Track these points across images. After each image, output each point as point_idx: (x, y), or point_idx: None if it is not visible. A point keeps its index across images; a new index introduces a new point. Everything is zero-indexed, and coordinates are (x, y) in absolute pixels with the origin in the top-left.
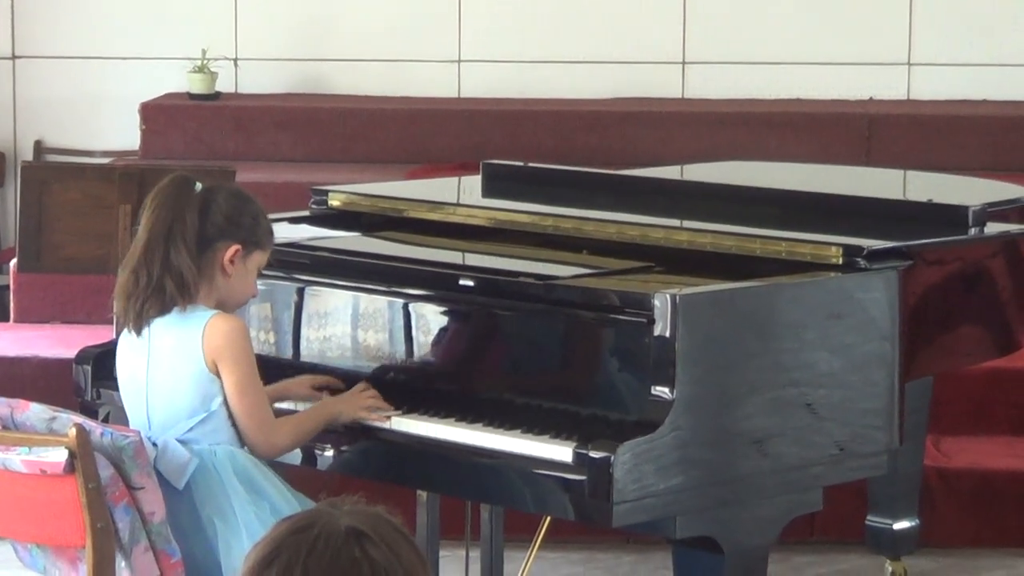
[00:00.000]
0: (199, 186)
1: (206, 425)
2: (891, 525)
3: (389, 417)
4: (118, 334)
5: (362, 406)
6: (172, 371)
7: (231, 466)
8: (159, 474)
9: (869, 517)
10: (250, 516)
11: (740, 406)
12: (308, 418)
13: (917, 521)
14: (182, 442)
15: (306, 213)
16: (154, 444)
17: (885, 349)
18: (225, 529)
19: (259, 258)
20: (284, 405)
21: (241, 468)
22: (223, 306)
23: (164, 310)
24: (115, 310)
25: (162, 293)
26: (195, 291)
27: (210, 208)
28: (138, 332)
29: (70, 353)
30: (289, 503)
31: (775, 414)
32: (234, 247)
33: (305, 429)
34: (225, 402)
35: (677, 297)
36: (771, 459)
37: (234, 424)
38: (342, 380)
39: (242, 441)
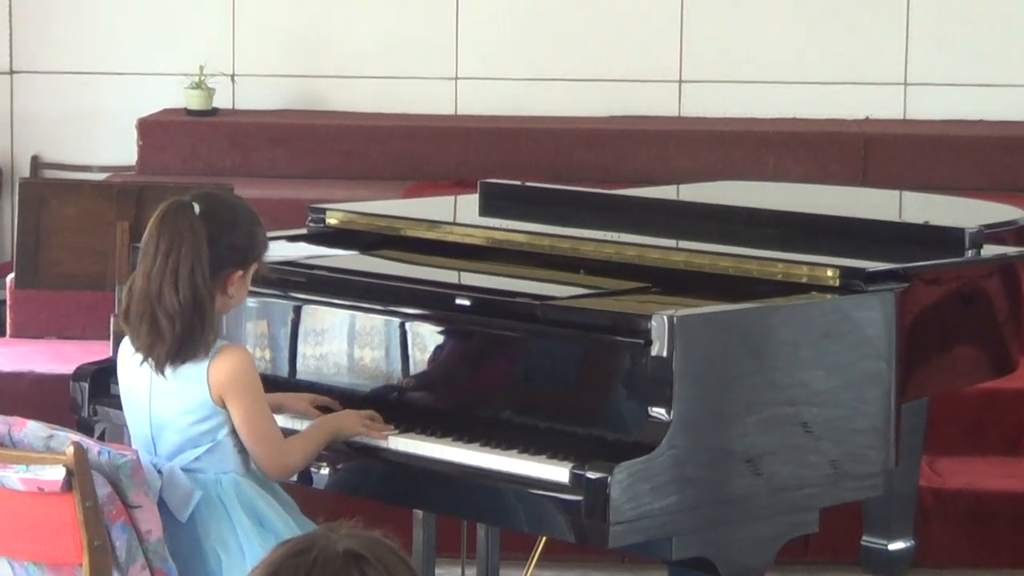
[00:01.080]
0: (197, 208)
1: (213, 455)
2: (886, 545)
3: (387, 435)
4: (116, 350)
5: (363, 422)
6: (178, 404)
7: (236, 496)
8: (163, 502)
9: (864, 537)
10: (255, 546)
11: (736, 426)
12: (315, 435)
13: (912, 542)
14: (187, 471)
15: (303, 231)
16: (159, 471)
17: (881, 370)
18: (229, 560)
19: (255, 267)
20: (281, 421)
21: (246, 498)
22: (218, 314)
23: (195, 356)
24: (129, 337)
25: (193, 338)
26: (216, 328)
27: (214, 238)
28: (163, 374)
29: (66, 369)
30: (294, 532)
31: (770, 434)
32: (239, 272)
33: (314, 447)
34: (232, 432)
35: (674, 318)
36: (766, 479)
37: (240, 452)
38: (338, 399)
39: (247, 468)
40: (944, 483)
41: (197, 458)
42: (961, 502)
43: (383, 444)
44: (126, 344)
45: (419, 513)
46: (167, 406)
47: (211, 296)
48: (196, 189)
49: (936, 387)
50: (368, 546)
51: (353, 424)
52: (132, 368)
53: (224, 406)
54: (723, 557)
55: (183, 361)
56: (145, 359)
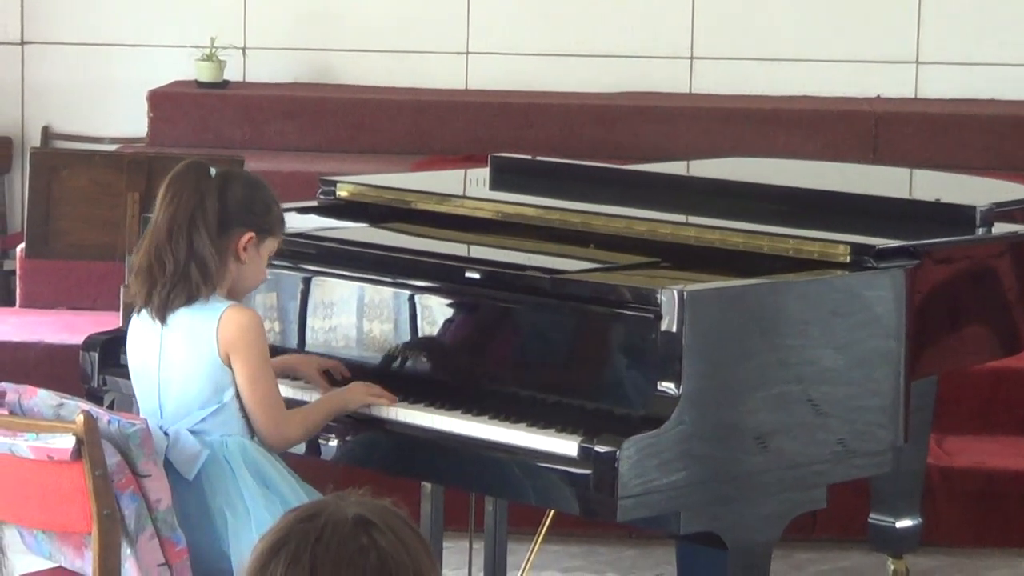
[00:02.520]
0: (214, 171)
1: (218, 416)
2: (894, 523)
3: (394, 403)
4: (125, 320)
5: (369, 395)
6: (185, 362)
7: (242, 458)
8: (169, 464)
9: (872, 515)
10: (260, 508)
11: (744, 402)
12: (317, 409)
13: (920, 520)
14: (193, 432)
15: (314, 203)
16: (165, 433)
17: (891, 347)
18: (235, 521)
19: (271, 245)
20: (292, 395)
21: (252, 460)
22: (234, 292)
23: (190, 300)
24: (132, 295)
25: (188, 282)
26: (217, 279)
27: (226, 194)
28: (163, 321)
29: (76, 339)
30: (299, 496)
31: (779, 410)
32: (249, 234)
33: (315, 420)
34: (238, 395)
35: (684, 293)
36: (774, 455)
37: (246, 416)
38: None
39: (253, 432)
40: (952, 462)
41: (203, 420)
42: (969, 481)
43: (392, 416)
44: (135, 319)
45: (427, 487)
46: (175, 366)
47: (216, 251)
48: (208, 160)
49: (945, 365)
50: (377, 512)
51: (359, 397)
52: (141, 333)
53: (231, 365)
54: (731, 532)
55: (176, 305)
56: (143, 307)
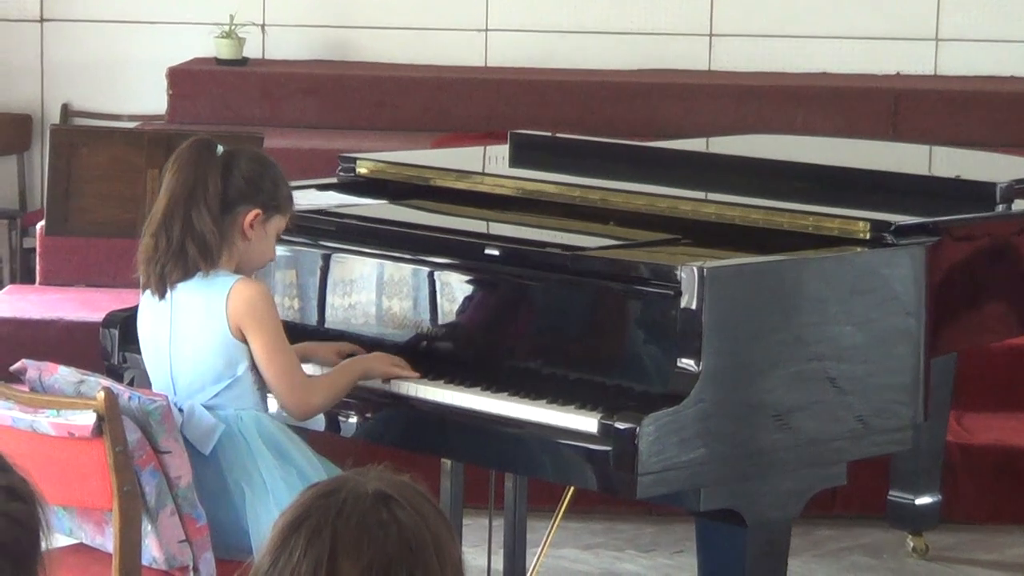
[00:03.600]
0: (220, 149)
1: (232, 390)
2: (913, 500)
3: (415, 377)
4: None
5: (390, 364)
6: (196, 337)
7: (257, 431)
8: (185, 440)
9: (891, 492)
10: (277, 481)
11: (763, 379)
12: (340, 375)
13: (939, 497)
14: (208, 408)
15: (333, 180)
16: (180, 410)
17: (910, 324)
18: (252, 495)
19: (279, 223)
20: (308, 368)
21: (268, 433)
22: (242, 270)
23: (187, 274)
24: (136, 273)
25: (184, 257)
26: (217, 255)
27: (231, 171)
28: (161, 295)
29: (95, 316)
30: (316, 468)
31: (798, 388)
32: (255, 211)
33: (338, 387)
34: (251, 368)
35: (704, 269)
36: (793, 433)
37: (260, 389)
38: (367, 348)
39: (267, 406)
40: (972, 439)
41: (216, 394)
42: (988, 458)
43: (412, 392)
44: (145, 296)
45: (447, 464)
46: (186, 343)
47: (217, 227)
48: (227, 136)
49: (965, 342)
50: (398, 487)
51: (381, 366)
52: (152, 314)
53: (243, 340)
54: (751, 509)
55: (174, 279)
56: (146, 283)
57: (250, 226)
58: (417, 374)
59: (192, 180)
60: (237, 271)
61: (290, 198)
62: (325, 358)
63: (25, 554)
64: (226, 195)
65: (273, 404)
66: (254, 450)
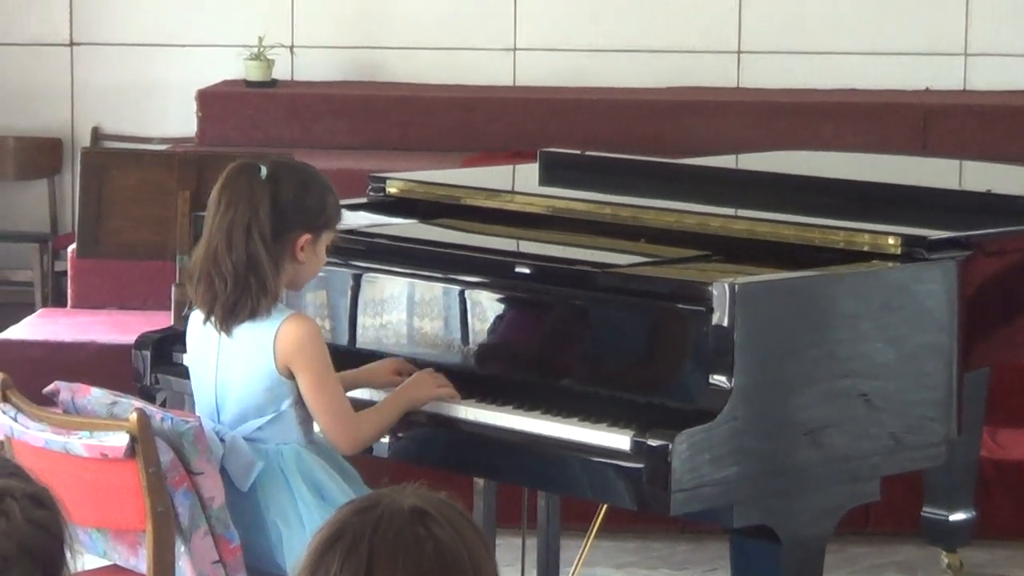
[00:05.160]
0: (264, 171)
1: (275, 425)
2: (947, 517)
3: (457, 398)
4: (177, 319)
5: (437, 387)
6: (243, 371)
7: (297, 467)
8: (224, 472)
9: (925, 508)
10: (314, 519)
11: (796, 396)
12: (388, 407)
13: (973, 513)
14: (250, 440)
15: (363, 200)
16: (221, 440)
17: (942, 340)
18: (288, 532)
19: (328, 237)
20: (361, 395)
21: (307, 469)
22: (293, 287)
23: (253, 316)
24: (188, 296)
25: (248, 296)
26: (276, 287)
27: (279, 199)
28: (228, 334)
29: (127, 339)
30: None
31: (831, 405)
32: (305, 236)
33: (387, 419)
34: (294, 403)
35: (736, 286)
36: (826, 450)
37: (303, 424)
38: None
39: (309, 439)
40: (1006, 454)
41: (259, 427)
42: (1023, 473)
43: (444, 412)
44: (196, 313)
45: (480, 483)
46: (233, 373)
47: (272, 258)
48: (259, 157)
49: (998, 357)
50: (434, 504)
51: (428, 392)
52: (201, 334)
53: (289, 376)
54: (784, 525)
55: (240, 320)
56: (207, 319)
57: (301, 249)
58: (457, 395)
59: (248, 213)
60: (288, 287)
61: (337, 209)
62: (384, 381)
63: (53, 560)
64: (276, 223)
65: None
66: (292, 487)
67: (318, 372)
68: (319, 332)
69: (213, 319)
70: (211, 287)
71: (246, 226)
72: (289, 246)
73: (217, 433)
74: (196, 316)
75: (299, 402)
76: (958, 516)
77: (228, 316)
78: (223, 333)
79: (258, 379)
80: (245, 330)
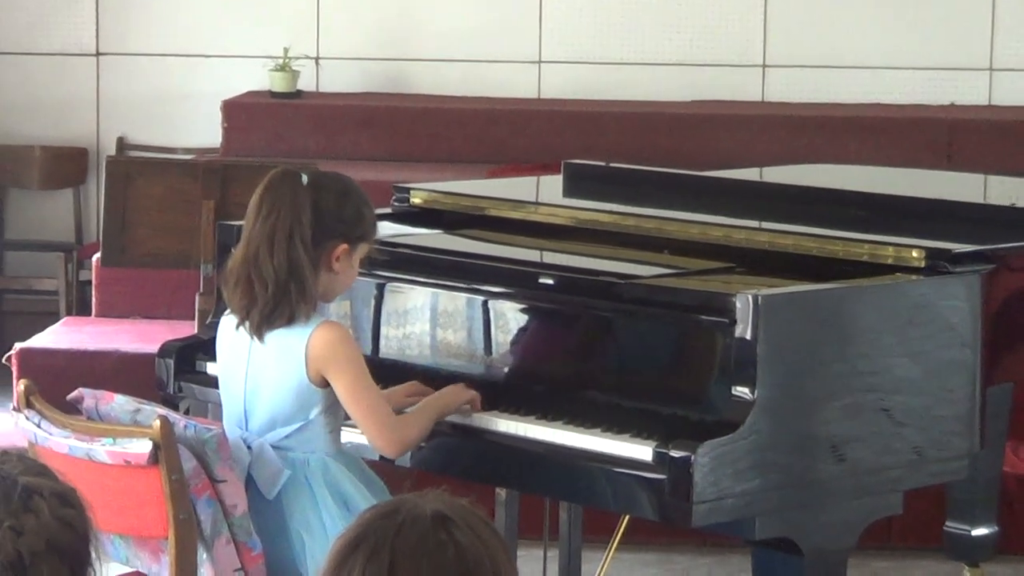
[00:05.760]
0: (306, 178)
1: (303, 433)
2: (969, 531)
3: (478, 408)
4: (201, 328)
5: (466, 398)
6: (273, 378)
7: (323, 477)
8: (251, 479)
9: (947, 523)
10: (339, 529)
11: (818, 410)
12: (424, 411)
13: (996, 528)
14: (277, 448)
15: (388, 210)
16: (249, 447)
17: (966, 355)
18: (312, 541)
19: (364, 249)
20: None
21: (333, 479)
22: (325, 296)
23: (291, 322)
24: (229, 307)
25: (288, 301)
26: (314, 296)
27: (319, 206)
28: (261, 339)
29: (151, 348)
30: None
31: (853, 419)
32: (342, 246)
33: (425, 422)
34: (323, 412)
35: (759, 297)
36: (849, 464)
37: (331, 433)
38: (421, 377)
39: (336, 448)
40: None
41: (287, 436)
42: None
43: (467, 422)
44: (227, 319)
45: (502, 494)
46: (263, 380)
47: (312, 265)
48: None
49: (1021, 372)
50: (456, 509)
51: (455, 402)
52: (231, 340)
53: (320, 385)
54: (807, 538)
55: (277, 325)
56: (240, 323)
57: (337, 259)
58: (479, 402)
59: (289, 218)
60: (320, 299)
61: (374, 223)
62: (399, 402)
63: (79, 558)
64: (316, 230)
65: (360, 438)
66: (318, 497)
67: (355, 376)
68: (351, 337)
69: (248, 324)
70: (249, 291)
71: (288, 231)
72: (326, 255)
73: (244, 440)
74: (227, 322)
75: (328, 411)
76: (981, 531)
77: (264, 321)
78: (255, 338)
79: (288, 386)
80: (277, 337)
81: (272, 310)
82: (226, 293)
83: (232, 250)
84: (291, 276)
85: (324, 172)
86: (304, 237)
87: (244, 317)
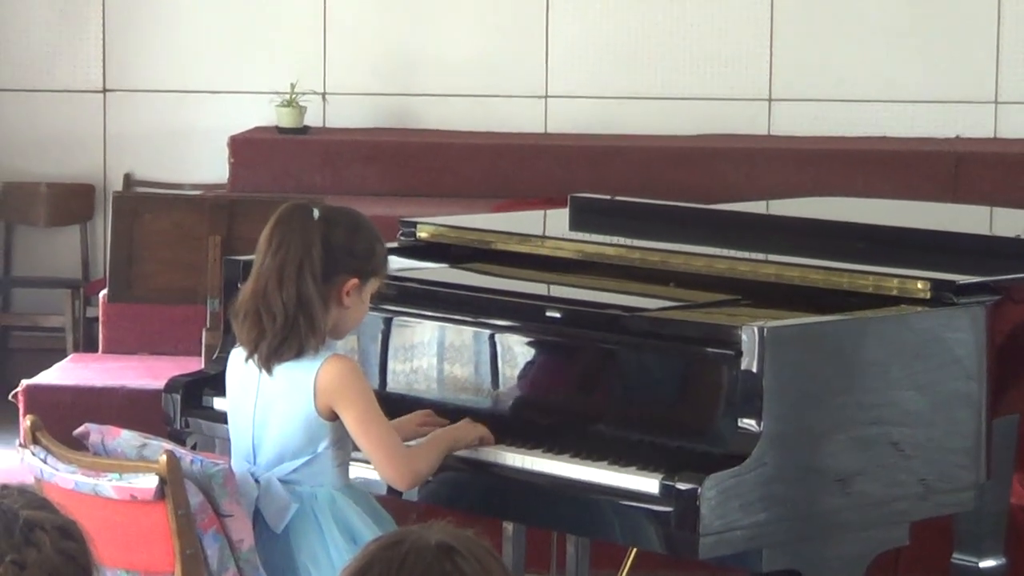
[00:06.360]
0: (316, 213)
1: (311, 467)
2: (977, 563)
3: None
4: (208, 363)
5: (477, 433)
6: (282, 411)
7: (330, 511)
8: (259, 513)
9: (955, 555)
10: (345, 563)
11: (825, 443)
12: (435, 444)
13: (1004, 560)
14: (285, 482)
15: (395, 245)
16: (256, 481)
17: (971, 386)
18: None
19: (374, 285)
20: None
21: (340, 514)
22: (335, 333)
23: (299, 355)
24: (238, 340)
25: (297, 334)
26: (324, 329)
27: (330, 241)
28: (270, 372)
29: (157, 384)
30: None
31: (859, 452)
32: (352, 280)
33: (436, 455)
34: (331, 446)
35: (765, 329)
36: (855, 496)
37: (339, 467)
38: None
39: (344, 482)
40: None
41: (295, 469)
42: None
43: (473, 455)
44: (236, 352)
45: (508, 528)
46: (271, 414)
47: (321, 299)
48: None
49: None
50: (461, 540)
51: (467, 438)
52: (240, 374)
53: (329, 418)
54: (814, 570)
55: (285, 358)
56: (249, 357)
57: (347, 294)
58: (492, 442)
59: (300, 251)
60: (330, 335)
61: (385, 259)
62: (410, 432)
63: None
64: (326, 264)
65: (368, 472)
66: (324, 530)
67: (364, 408)
68: (359, 369)
69: (256, 357)
70: (258, 324)
71: (298, 265)
72: (336, 289)
73: (252, 474)
74: (236, 355)
75: (336, 444)
76: (988, 563)
77: (273, 354)
78: (264, 371)
79: (297, 420)
80: (285, 370)
81: (280, 343)
82: (235, 326)
83: (239, 285)
84: (300, 309)
85: (335, 207)
86: (314, 271)
87: (253, 350)
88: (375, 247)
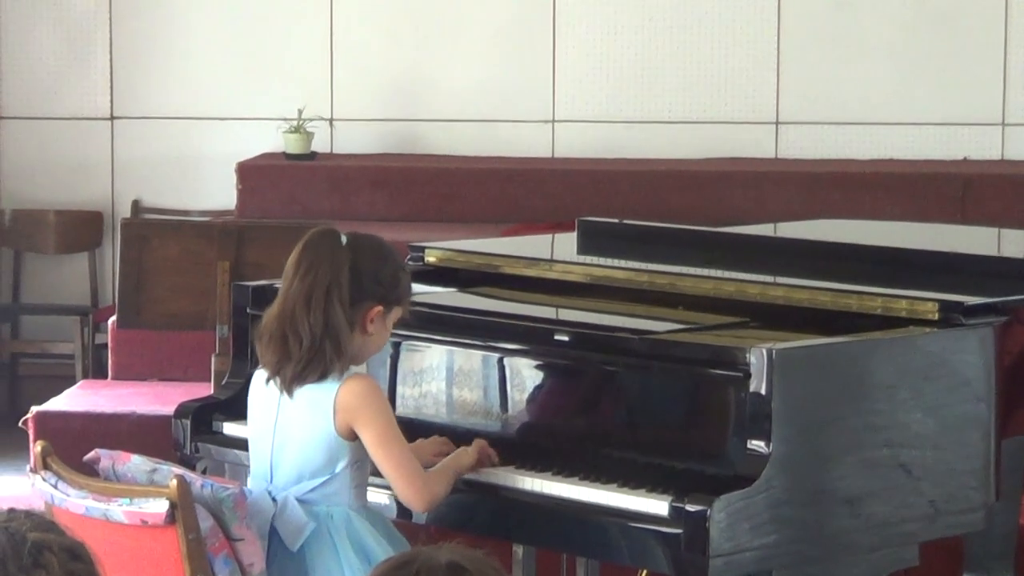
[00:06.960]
0: (344, 239)
1: (328, 487)
2: None
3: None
4: (216, 388)
5: (484, 457)
6: (301, 432)
7: (346, 531)
8: (274, 531)
9: None
10: None
11: (834, 464)
12: (451, 466)
13: None
14: (302, 501)
15: None
16: (274, 500)
17: (980, 407)
18: None
19: (397, 313)
20: None
21: (356, 534)
22: (356, 359)
23: (322, 378)
24: (261, 362)
25: (322, 358)
26: (348, 354)
27: (358, 267)
28: (291, 395)
29: (167, 410)
30: None
31: (868, 473)
32: (377, 307)
33: (451, 478)
34: (350, 465)
35: (773, 351)
36: (864, 518)
37: (356, 488)
38: (437, 435)
39: (361, 503)
40: None
41: (312, 489)
42: None
43: (482, 478)
44: (259, 373)
45: (518, 551)
46: (290, 434)
47: (348, 324)
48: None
49: None
50: (471, 560)
51: (473, 458)
52: (261, 395)
53: (348, 437)
54: None
55: (308, 381)
56: (271, 378)
57: (371, 321)
58: (488, 453)
59: (328, 276)
60: (351, 361)
61: (409, 288)
62: (424, 459)
63: None
64: (353, 290)
65: (381, 496)
66: (340, 550)
67: (384, 427)
68: (379, 389)
69: (279, 379)
70: (283, 347)
71: (326, 290)
72: (361, 316)
73: (270, 493)
74: (259, 376)
75: (354, 464)
76: None
77: (297, 378)
78: (285, 394)
79: (316, 440)
80: (306, 391)
81: (305, 367)
82: (259, 348)
83: (247, 311)
84: (327, 334)
85: (363, 234)
86: (342, 297)
87: (275, 372)
88: (400, 276)
